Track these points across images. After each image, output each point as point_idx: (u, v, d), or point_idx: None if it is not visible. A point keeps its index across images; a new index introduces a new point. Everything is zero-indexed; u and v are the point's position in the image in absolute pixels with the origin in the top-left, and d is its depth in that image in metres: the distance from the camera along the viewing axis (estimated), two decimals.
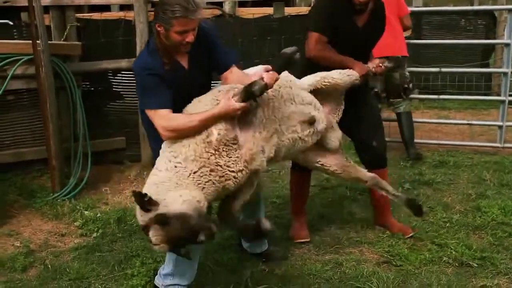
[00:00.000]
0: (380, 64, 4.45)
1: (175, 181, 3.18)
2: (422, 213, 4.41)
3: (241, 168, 3.32)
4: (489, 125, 8.08)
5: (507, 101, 7.29)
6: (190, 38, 3.43)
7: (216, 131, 3.27)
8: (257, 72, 3.71)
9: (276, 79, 3.42)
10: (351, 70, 4.30)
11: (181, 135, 3.30)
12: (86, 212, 5.56)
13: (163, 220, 3.01)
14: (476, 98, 9.30)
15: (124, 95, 7.40)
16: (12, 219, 5.58)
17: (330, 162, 4.22)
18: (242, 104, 3.29)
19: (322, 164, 4.23)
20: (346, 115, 4.40)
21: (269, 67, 3.60)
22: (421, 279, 4.00)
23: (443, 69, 7.77)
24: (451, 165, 6.83)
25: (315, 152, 4.17)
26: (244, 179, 3.37)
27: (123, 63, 6.92)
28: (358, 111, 4.54)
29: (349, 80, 4.27)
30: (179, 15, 3.30)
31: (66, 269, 4.36)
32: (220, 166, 3.27)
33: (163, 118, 3.34)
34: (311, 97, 3.99)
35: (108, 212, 5.50)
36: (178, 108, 3.45)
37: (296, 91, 3.86)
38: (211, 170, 3.25)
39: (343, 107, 4.39)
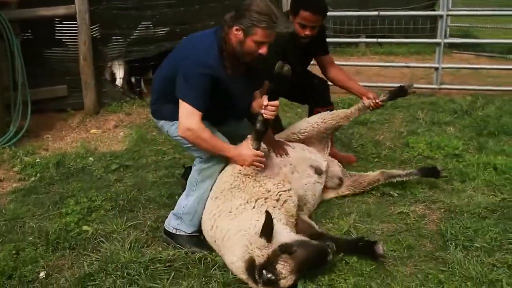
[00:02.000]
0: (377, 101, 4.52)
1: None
2: (439, 173, 4.44)
3: (288, 188, 3.59)
4: (425, 67, 8.32)
5: (442, 44, 7.50)
6: (264, 50, 3.44)
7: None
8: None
9: (276, 109, 3.53)
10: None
11: (191, 140, 3.47)
12: (25, 158, 5.58)
13: (288, 249, 3.01)
14: (412, 41, 9.53)
15: (66, 43, 7.32)
16: None
17: (343, 190, 4.42)
18: (253, 157, 3.53)
19: (338, 195, 4.42)
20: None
21: (265, 102, 3.54)
22: (343, 208, 4.23)
23: (382, 13, 7.91)
24: (388, 106, 7.04)
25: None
26: (297, 201, 3.63)
27: (61, 10, 6.82)
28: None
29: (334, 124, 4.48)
30: (266, 25, 3.33)
31: (2, 211, 4.44)
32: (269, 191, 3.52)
33: (194, 118, 3.40)
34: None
35: (48, 158, 5.55)
36: (217, 110, 3.57)
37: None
38: (265, 198, 3.48)
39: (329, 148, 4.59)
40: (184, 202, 3.70)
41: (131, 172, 5.19)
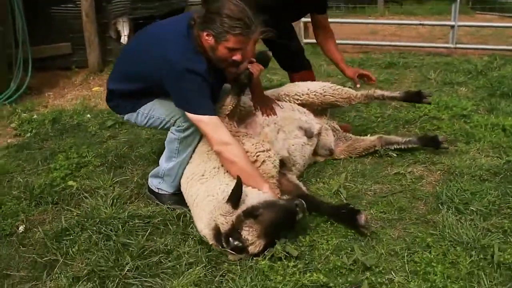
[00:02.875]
0: None
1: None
2: (439, 144, 4.13)
3: (268, 148, 3.38)
4: (440, 25, 7.94)
5: (458, 1, 7.11)
6: (238, 57, 3.16)
7: None
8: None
9: (261, 70, 3.43)
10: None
11: (226, 157, 3.16)
12: (23, 115, 5.54)
13: (252, 213, 2.86)
14: None
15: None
16: None
17: (337, 154, 4.23)
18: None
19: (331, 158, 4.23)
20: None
21: (253, 59, 3.50)
22: (337, 168, 4.06)
23: None
24: (400, 66, 6.79)
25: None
26: (277, 161, 3.43)
27: None
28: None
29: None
30: (239, 32, 3.04)
31: None
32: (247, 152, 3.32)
33: (221, 129, 3.18)
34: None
35: (45, 114, 5.48)
36: None
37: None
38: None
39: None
40: (165, 165, 3.55)
41: (126, 129, 5.09)
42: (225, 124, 3.37)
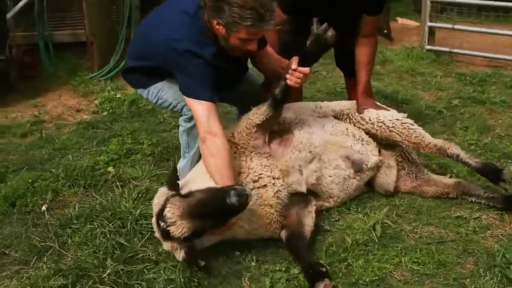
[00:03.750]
0: None
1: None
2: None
3: (277, 175, 3.03)
4: None
5: None
6: (253, 47, 2.94)
7: None
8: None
9: (304, 76, 2.95)
10: None
11: (206, 148, 2.89)
12: (112, 93, 5.64)
13: (176, 190, 2.78)
14: None
15: None
16: (49, 92, 5.87)
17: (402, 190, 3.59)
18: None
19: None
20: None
21: (294, 65, 2.98)
22: (390, 199, 3.48)
23: None
24: None
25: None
26: (285, 194, 3.05)
27: None
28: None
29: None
30: (251, 23, 2.75)
31: (55, 140, 4.52)
32: (252, 168, 3.03)
33: (213, 118, 2.90)
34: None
35: (128, 95, 5.53)
36: None
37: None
38: (239, 174, 3.00)
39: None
40: (181, 163, 3.39)
41: None
42: (252, 135, 3.09)
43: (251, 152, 3.09)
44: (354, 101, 3.70)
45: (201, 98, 2.91)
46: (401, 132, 3.42)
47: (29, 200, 3.47)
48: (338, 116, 3.59)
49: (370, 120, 3.49)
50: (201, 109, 2.90)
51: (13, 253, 3.00)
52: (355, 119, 3.54)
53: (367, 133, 3.51)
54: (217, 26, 2.86)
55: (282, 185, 3.02)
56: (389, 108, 3.73)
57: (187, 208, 2.58)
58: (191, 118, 3.16)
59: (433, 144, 3.36)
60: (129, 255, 2.87)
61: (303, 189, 3.08)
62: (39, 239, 3.07)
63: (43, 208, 3.43)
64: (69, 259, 2.88)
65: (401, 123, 3.46)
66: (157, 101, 3.35)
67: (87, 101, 5.59)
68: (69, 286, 2.65)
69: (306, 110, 3.51)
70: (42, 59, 6.58)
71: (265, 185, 2.98)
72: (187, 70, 2.95)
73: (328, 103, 3.72)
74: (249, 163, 3.04)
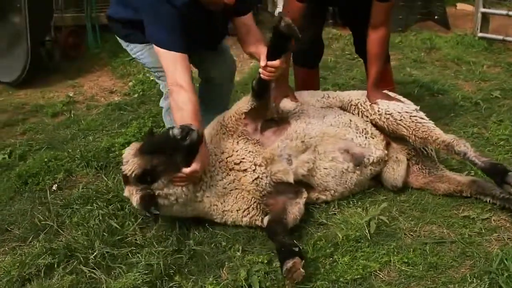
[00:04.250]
0: None
1: None
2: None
3: (259, 163, 2.99)
4: None
5: None
6: (230, 0, 2.89)
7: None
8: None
9: (276, 69, 2.85)
10: None
11: (172, 100, 2.91)
12: (147, 76, 5.73)
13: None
14: None
15: None
16: (89, 73, 6.07)
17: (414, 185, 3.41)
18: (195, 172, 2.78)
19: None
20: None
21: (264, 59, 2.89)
22: (395, 193, 3.33)
23: None
24: None
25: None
26: (266, 182, 3.01)
27: None
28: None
29: None
30: None
31: (81, 120, 4.66)
32: (236, 151, 3.03)
33: (180, 69, 2.88)
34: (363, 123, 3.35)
35: None
36: None
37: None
38: (223, 153, 3.03)
39: None
40: None
41: None
42: (241, 121, 3.07)
43: (238, 136, 3.07)
44: (365, 91, 3.55)
45: (169, 48, 2.89)
46: (408, 126, 3.25)
47: (41, 179, 3.61)
48: (345, 107, 3.45)
49: (378, 111, 3.35)
50: (168, 59, 2.89)
51: (16, 230, 3.14)
52: (364, 108, 3.40)
53: (375, 125, 3.36)
54: None
55: (263, 173, 2.97)
56: (403, 99, 3.55)
57: (139, 147, 2.78)
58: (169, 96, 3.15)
59: (441, 140, 3.17)
60: (117, 237, 2.92)
61: (290, 179, 3.00)
62: (41, 217, 3.19)
63: (54, 187, 3.56)
64: (63, 239, 2.98)
65: (410, 116, 3.29)
66: (136, 58, 3.37)
67: (122, 83, 5.73)
68: (55, 265, 2.74)
69: (310, 100, 3.42)
70: (89, 40, 6.80)
71: (245, 170, 2.96)
72: (156, 18, 2.93)
73: (339, 92, 3.60)
74: (234, 146, 3.03)
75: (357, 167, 3.20)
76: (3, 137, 4.46)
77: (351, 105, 3.45)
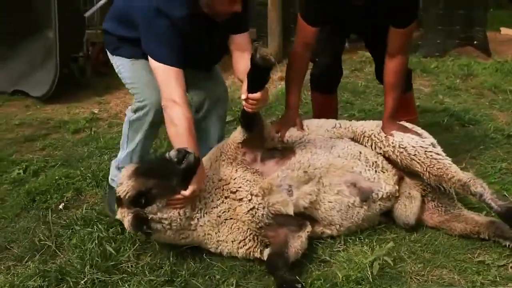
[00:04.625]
0: None
1: None
2: None
3: (256, 193, 2.88)
4: None
5: None
6: (238, 7, 2.84)
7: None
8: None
9: (258, 101, 2.75)
10: None
11: (166, 117, 2.87)
12: None
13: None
14: None
15: None
16: (116, 90, 6.15)
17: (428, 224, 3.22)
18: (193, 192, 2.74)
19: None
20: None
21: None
22: (401, 232, 3.14)
23: None
24: None
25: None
26: (263, 213, 2.88)
27: None
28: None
29: None
30: None
31: (100, 138, 4.67)
32: (234, 179, 2.94)
33: (173, 84, 2.83)
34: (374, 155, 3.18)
35: None
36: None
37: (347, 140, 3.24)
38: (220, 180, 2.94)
39: None
40: (120, 155, 3.37)
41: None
42: (239, 150, 3.00)
43: (238, 165, 2.98)
44: (381, 122, 3.38)
45: (164, 61, 2.85)
46: (422, 162, 3.06)
47: (49, 196, 3.61)
48: (358, 138, 3.28)
49: (392, 143, 3.17)
50: (163, 73, 2.84)
51: (15, 248, 3.12)
52: (377, 139, 3.22)
53: (388, 157, 3.20)
54: None
55: (260, 203, 2.85)
56: (421, 131, 3.36)
57: (135, 169, 2.78)
58: (136, 110, 3.14)
59: (457, 179, 2.97)
60: (111, 263, 2.85)
61: (290, 211, 2.86)
62: (42, 237, 3.16)
63: (60, 206, 3.54)
64: (58, 261, 2.94)
65: (425, 151, 3.09)
66: (118, 71, 3.32)
67: None
68: None
69: (319, 129, 3.28)
70: None
71: (241, 199, 2.86)
72: (152, 31, 2.88)
73: (352, 122, 3.43)
74: (233, 173, 2.94)
75: (365, 202, 3.03)
76: (22, 151, 4.51)
77: (364, 136, 3.27)
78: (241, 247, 2.85)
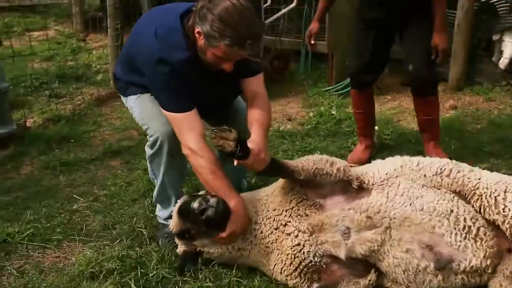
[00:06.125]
0: None
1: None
2: None
3: (303, 229, 2.73)
4: None
5: None
6: (228, 67, 2.75)
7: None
8: None
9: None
10: None
11: (191, 164, 2.89)
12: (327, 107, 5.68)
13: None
14: None
15: None
16: (282, 97, 6.25)
17: None
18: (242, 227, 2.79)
19: None
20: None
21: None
22: None
23: None
24: None
25: None
26: (312, 250, 2.70)
27: None
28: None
29: None
30: (230, 43, 2.56)
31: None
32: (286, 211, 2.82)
33: (186, 130, 2.82)
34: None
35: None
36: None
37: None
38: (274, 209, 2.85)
39: None
40: (155, 191, 3.33)
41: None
42: (287, 197, 2.82)
43: (294, 194, 2.83)
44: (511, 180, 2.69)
45: (169, 110, 2.83)
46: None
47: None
48: (466, 193, 2.68)
49: (503, 210, 2.54)
50: (174, 121, 2.84)
51: (118, 229, 3.40)
52: (487, 202, 2.61)
53: (492, 223, 2.59)
54: (197, 35, 2.67)
55: (306, 240, 2.66)
56: None
57: (178, 206, 2.89)
58: (152, 145, 3.08)
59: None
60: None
61: (341, 254, 2.61)
62: (142, 225, 3.40)
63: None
64: (143, 249, 3.14)
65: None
66: (130, 110, 3.28)
67: (305, 112, 5.71)
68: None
69: (414, 173, 2.77)
70: (300, 66, 7.00)
71: (289, 234, 2.73)
72: (157, 79, 2.84)
73: (469, 173, 2.74)
74: (286, 204, 2.81)
75: (440, 271, 2.56)
76: None
77: (474, 193, 2.66)
78: (289, 280, 2.74)
